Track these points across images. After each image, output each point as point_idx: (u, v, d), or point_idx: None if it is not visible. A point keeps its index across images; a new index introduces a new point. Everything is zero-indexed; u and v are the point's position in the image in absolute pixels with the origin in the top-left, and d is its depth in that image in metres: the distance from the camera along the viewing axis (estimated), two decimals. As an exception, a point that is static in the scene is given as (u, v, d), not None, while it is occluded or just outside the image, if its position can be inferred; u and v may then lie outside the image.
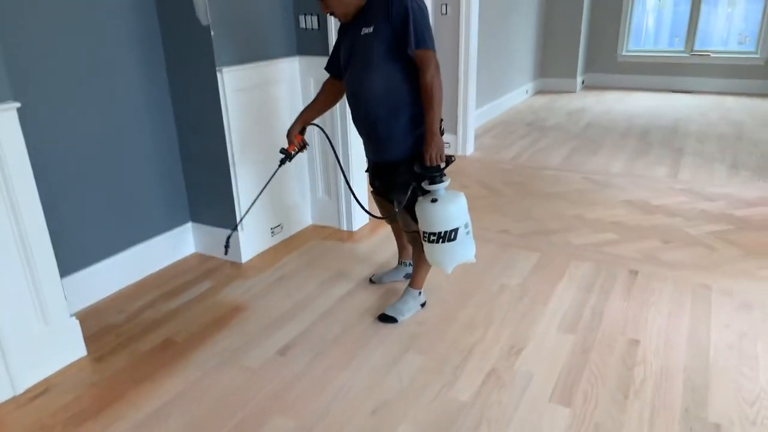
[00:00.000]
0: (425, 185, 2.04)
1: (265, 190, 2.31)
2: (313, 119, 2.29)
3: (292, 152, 2.21)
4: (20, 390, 1.93)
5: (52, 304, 1.99)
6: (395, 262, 2.72)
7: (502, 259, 2.82)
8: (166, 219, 2.80)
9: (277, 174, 2.82)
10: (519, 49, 6.47)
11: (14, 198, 1.83)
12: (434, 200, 1.99)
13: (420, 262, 2.28)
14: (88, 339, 2.20)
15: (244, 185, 2.76)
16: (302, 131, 2.26)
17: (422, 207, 2.04)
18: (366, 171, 2.32)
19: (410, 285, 2.37)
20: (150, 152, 2.66)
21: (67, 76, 2.25)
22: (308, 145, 2.29)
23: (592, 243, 2.97)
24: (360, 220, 3.23)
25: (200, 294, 2.56)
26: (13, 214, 1.84)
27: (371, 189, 2.37)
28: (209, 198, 2.81)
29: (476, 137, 4.98)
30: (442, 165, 2.04)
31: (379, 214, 2.39)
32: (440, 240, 2.01)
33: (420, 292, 2.37)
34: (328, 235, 3.14)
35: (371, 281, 2.60)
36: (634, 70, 7.39)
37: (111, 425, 1.79)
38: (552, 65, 7.34)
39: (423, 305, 2.38)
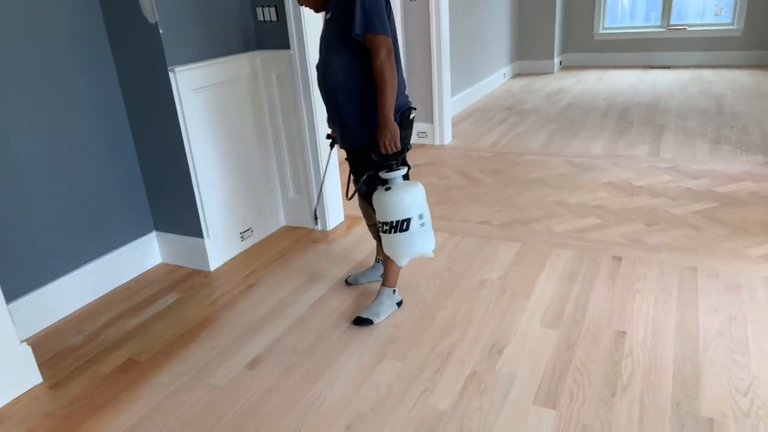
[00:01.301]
0: (383, 174, 1.98)
1: (232, 191, 2.21)
2: None
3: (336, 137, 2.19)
4: (-31, 425, 1.80)
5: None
6: (372, 261, 2.61)
7: (483, 252, 2.71)
8: (128, 230, 2.65)
9: (242, 176, 2.69)
10: (494, 32, 6.34)
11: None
12: (388, 188, 1.95)
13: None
14: (44, 364, 2.07)
15: (207, 190, 2.62)
16: None
17: (377, 196, 2.00)
18: (346, 159, 2.23)
19: (383, 284, 2.26)
20: (106, 160, 2.51)
21: (8, 84, 2.09)
22: None
23: (575, 229, 2.87)
24: (335, 218, 3.10)
25: (166, 307, 2.43)
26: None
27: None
28: (172, 205, 2.67)
29: (453, 125, 4.86)
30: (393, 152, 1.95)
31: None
32: (392, 230, 1.97)
33: (394, 291, 2.26)
34: (301, 237, 3.01)
35: (347, 283, 2.49)
36: (611, 47, 7.29)
37: (66, 459, 1.67)
38: (528, 47, 7.22)
39: (399, 304, 2.27)
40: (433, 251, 2.12)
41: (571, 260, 2.57)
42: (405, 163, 2.08)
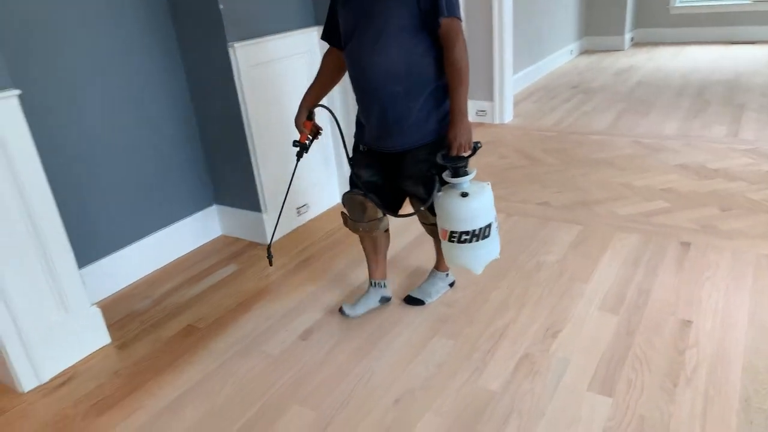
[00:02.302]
0: (447, 177, 1.76)
1: (290, 167, 2.18)
2: (319, 100, 1.95)
3: (306, 142, 1.93)
4: (45, 379, 1.94)
5: (71, 294, 1.97)
6: (424, 242, 2.58)
7: (541, 233, 2.63)
8: (190, 203, 2.75)
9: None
10: (560, 7, 6.07)
11: (23, 190, 1.80)
12: (464, 194, 1.72)
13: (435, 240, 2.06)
14: (113, 326, 2.19)
15: (265, 164, 2.67)
16: (310, 116, 1.94)
17: (448, 203, 1.74)
18: (350, 160, 1.97)
19: (436, 267, 2.23)
20: (170, 136, 2.60)
21: (80, 64, 2.20)
22: (322, 129, 2.00)
23: (641, 213, 2.73)
24: (389, 196, 3.09)
25: (225, 278, 2.51)
26: (24, 207, 1.81)
27: (352, 183, 1.98)
28: (231, 180, 2.74)
29: (515, 104, 4.72)
30: (467, 154, 1.76)
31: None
32: (474, 239, 1.76)
33: (447, 274, 2.23)
34: (356, 213, 3.03)
35: (342, 312, 2.14)
36: (688, 22, 6.82)
37: (131, 415, 1.76)
38: (597, 23, 6.87)
39: (452, 285, 2.24)
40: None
41: (636, 245, 2.44)
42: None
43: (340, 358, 1.93)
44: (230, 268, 2.59)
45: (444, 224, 1.79)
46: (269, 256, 1.99)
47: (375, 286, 2.16)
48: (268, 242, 2.11)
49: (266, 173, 2.68)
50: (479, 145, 1.76)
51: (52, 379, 1.95)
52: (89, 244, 2.33)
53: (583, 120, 4.29)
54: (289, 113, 2.73)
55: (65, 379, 1.95)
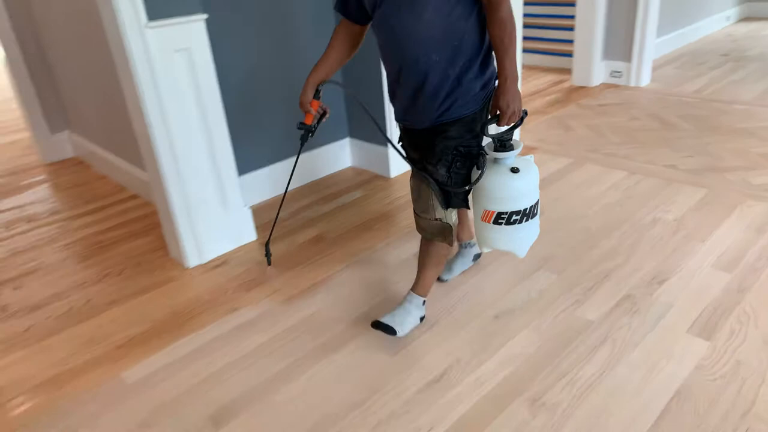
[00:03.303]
0: (490, 151, 1.60)
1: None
2: (327, 78, 1.74)
3: (312, 124, 1.74)
4: (205, 260, 2.35)
5: (230, 194, 2.35)
6: (552, 194, 2.65)
7: (662, 193, 2.60)
8: (329, 134, 3.06)
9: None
10: (724, -33, 5.55)
11: (201, 98, 2.16)
12: (514, 170, 1.57)
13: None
14: (258, 227, 2.56)
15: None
16: (317, 95, 1.72)
17: (496, 180, 1.58)
18: (400, 142, 1.84)
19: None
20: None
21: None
22: (329, 110, 1.77)
23: (778, 183, 2.59)
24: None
25: (351, 201, 2.80)
26: (201, 113, 2.18)
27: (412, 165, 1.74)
28: (364, 115, 3.00)
29: (655, 68, 4.49)
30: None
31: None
32: (524, 218, 1.61)
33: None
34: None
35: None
36: None
37: (272, 294, 2.11)
38: (767, -14, 6.19)
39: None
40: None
41: (765, 213, 2.36)
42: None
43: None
44: (356, 194, 2.87)
45: (489, 205, 1.62)
46: (267, 254, 1.87)
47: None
48: (267, 238, 1.99)
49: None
50: (526, 113, 1.60)
51: (210, 261, 2.36)
52: (248, 156, 2.71)
53: (729, 89, 4.01)
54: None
55: (220, 262, 2.35)
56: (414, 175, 1.73)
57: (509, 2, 1.49)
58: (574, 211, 2.49)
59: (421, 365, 1.70)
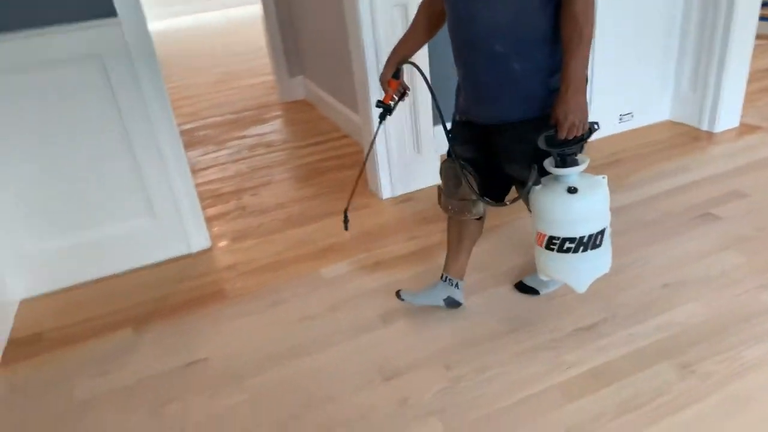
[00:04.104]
0: (550, 167, 1.41)
1: (623, 71, 2.22)
2: (409, 56, 1.66)
3: (391, 103, 1.66)
4: (396, 194, 2.68)
5: (425, 141, 2.62)
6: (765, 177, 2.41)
7: None
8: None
9: (636, 55, 2.75)
10: None
11: (414, 49, 2.43)
12: (572, 190, 1.37)
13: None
14: (445, 173, 2.81)
15: (600, 63, 2.83)
16: (396, 74, 1.64)
17: (550, 200, 1.40)
18: (448, 133, 1.66)
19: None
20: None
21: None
22: (409, 90, 1.70)
23: None
24: (728, 121, 2.91)
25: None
26: (409, 69, 2.45)
27: (449, 157, 1.66)
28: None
29: None
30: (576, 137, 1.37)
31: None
32: (580, 248, 1.41)
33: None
34: (682, 132, 2.97)
35: (398, 296, 1.81)
36: None
37: (430, 235, 2.31)
38: None
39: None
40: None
41: None
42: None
43: (620, 242, 2.12)
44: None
45: (541, 227, 1.45)
46: (345, 220, 1.74)
47: (445, 281, 1.80)
48: (345, 206, 1.77)
49: (599, 73, 2.85)
50: (597, 127, 1.38)
51: (399, 196, 2.68)
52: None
53: None
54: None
55: (407, 198, 2.66)
56: (454, 163, 1.62)
57: None
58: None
59: (576, 314, 1.79)
